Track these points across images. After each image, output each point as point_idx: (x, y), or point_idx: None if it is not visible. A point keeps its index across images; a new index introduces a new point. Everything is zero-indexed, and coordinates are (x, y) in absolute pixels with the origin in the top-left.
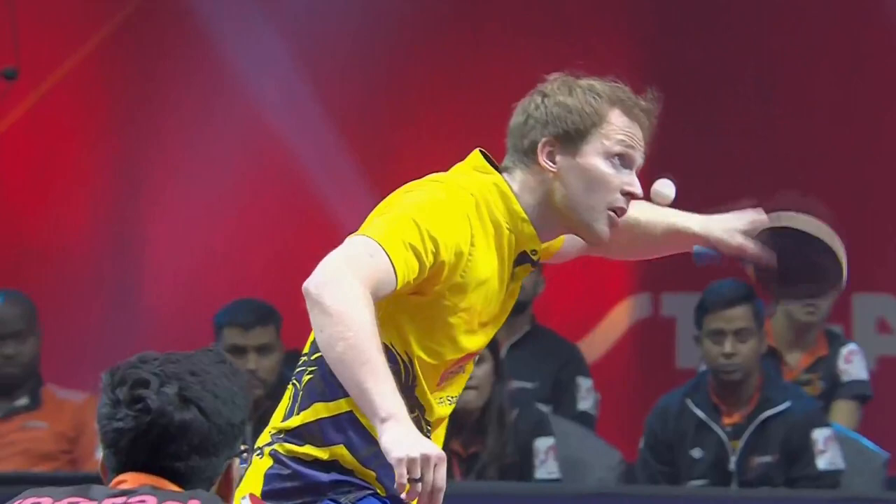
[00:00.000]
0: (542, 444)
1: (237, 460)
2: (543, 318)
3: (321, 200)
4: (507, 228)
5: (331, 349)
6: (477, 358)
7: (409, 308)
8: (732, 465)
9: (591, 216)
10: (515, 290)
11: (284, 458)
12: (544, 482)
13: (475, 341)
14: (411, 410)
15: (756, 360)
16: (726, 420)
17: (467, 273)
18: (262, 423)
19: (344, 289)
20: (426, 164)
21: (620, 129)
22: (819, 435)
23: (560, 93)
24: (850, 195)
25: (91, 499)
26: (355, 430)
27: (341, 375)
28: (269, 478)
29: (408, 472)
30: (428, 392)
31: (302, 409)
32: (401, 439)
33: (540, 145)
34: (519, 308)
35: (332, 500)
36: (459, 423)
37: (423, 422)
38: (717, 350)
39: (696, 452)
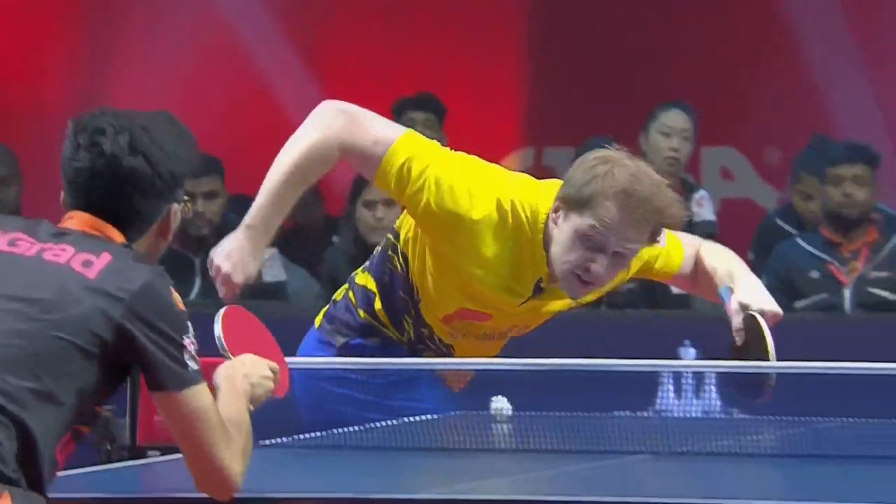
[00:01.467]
0: None
1: (176, 206)
2: None
3: (261, 73)
4: (532, 248)
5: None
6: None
7: (434, 254)
8: None
9: (560, 271)
10: (540, 309)
11: (348, 300)
12: None
13: (473, 304)
14: (420, 324)
15: None
16: None
17: (457, 246)
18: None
19: (322, 130)
20: (358, 44)
21: (605, 217)
22: None
23: (589, 164)
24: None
25: (34, 237)
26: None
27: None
28: (339, 307)
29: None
30: (432, 316)
31: (365, 271)
32: (225, 241)
33: (556, 199)
34: None
35: (360, 340)
36: None
37: (435, 337)
38: None
39: None
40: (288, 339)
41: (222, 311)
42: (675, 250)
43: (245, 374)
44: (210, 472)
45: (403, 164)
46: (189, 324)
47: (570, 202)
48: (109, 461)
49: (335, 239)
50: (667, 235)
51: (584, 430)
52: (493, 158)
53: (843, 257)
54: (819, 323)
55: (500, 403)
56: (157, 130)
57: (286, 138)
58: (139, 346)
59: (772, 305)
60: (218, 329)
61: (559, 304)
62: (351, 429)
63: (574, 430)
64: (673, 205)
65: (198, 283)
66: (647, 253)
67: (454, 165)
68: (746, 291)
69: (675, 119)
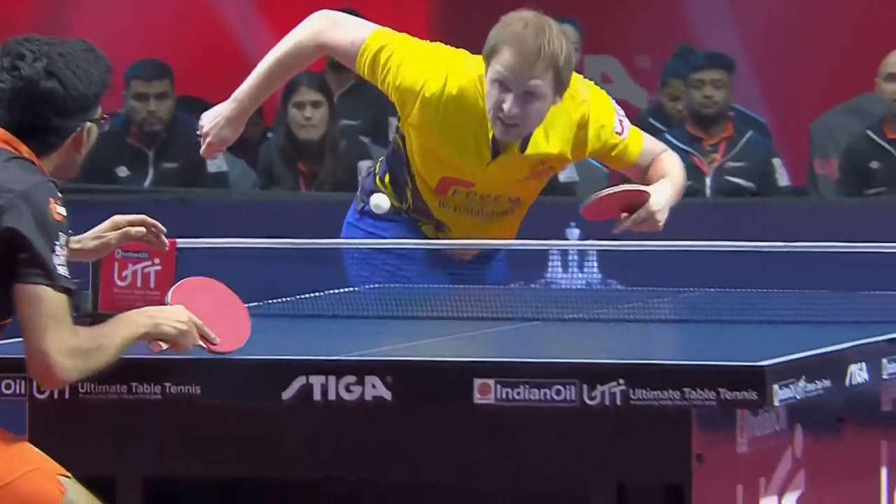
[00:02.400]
0: (364, 165)
1: (90, 124)
2: None
3: None
4: (478, 110)
5: None
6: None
7: (411, 128)
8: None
9: (490, 118)
10: (509, 172)
11: (374, 171)
12: None
13: (451, 172)
14: (417, 198)
15: None
16: None
17: (421, 119)
18: (161, 151)
19: (307, 32)
20: None
21: (503, 61)
22: None
23: (500, 22)
24: None
25: None
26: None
27: None
28: (368, 178)
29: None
30: (426, 189)
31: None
32: (215, 107)
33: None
34: (346, 67)
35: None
36: (303, 150)
37: (430, 212)
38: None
39: None
40: (228, 221)
41: (178, 284)
42: (633, 145)
43: (151, 314)
44: (33, 355)
45: (374, 55)
46: (63, 234)
47: (485, 56)
48: None
49: (269, 135)
50: (631, 131)
51: (488, 300)
52: None
53: (704, 150)
54: (683, 207)
55: (378, 200)
56: (74, 57)
57: (227, 47)
58: (17, 238)
59: (658, 215)
60: (168, 295)
61: (522, 168)
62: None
63: (478, 300)
64: (561, 48)
65: (151, 172)
66: (607, 138)
67: (413, 51)
68: (657, 190)
69: (567, 33)
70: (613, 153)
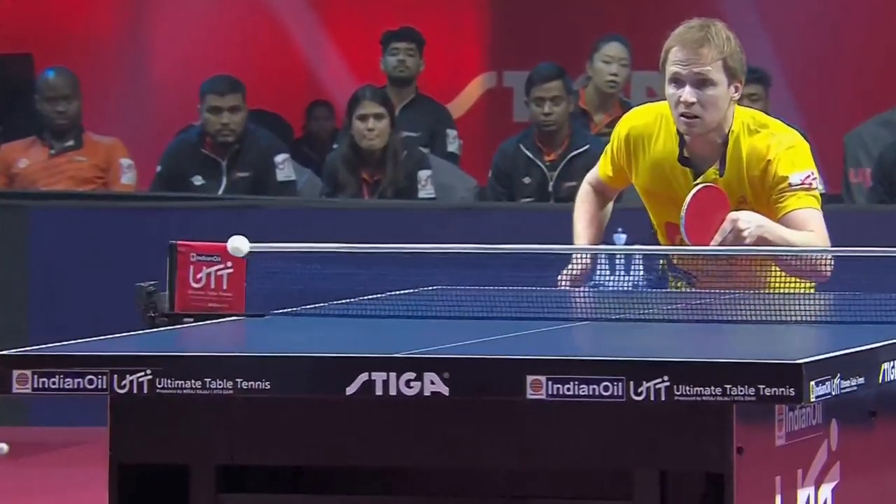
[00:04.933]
0: (423, 174)
1: None
2: (424, 88)
3: (273, 10)
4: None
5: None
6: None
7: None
8: (550, 188)
9: (673, 119)
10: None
11: None
12: (425, 200)
13: (668, 215)
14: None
15: (566, 117)
16: (546, 158)
17: (634, 171)
18: (233, 161)
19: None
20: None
21: (672, 57)
22: None
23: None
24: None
25: None
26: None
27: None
28: None
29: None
30: (664, 240)
31: None
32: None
33: None
34: (406, 82)
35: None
36: (366, 159)
37: (675, 263)
38: (539, 111)
39: (526, 180)
40: (296, 227)
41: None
42: (796, 201)
43: None
44: None
45: (610, 156)
46: None
47: (661, 67)
48: (153, 326)
49: (335, 146)
50: (807, 194)
51: (541, 301)
52: (464, 80)
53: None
54: (531, 210)
55: (237, 243)
56: None
57: (294, 63)
58: None
59: (740, 224)
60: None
61: (729, 195)
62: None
63: (530, 301)
64: (727, 38)
65: (224, 181)
66: (780, 179)
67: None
68: (740, 211)
69: (614, 49)
70: (774, 195)
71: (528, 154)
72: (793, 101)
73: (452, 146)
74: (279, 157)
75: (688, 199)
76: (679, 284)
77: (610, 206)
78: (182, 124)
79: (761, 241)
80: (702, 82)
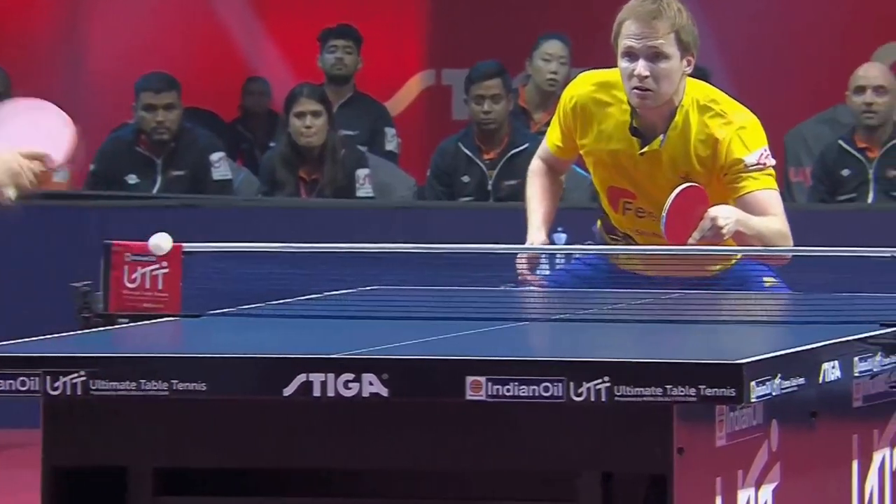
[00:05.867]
0: (361, 173)
1: None
2: (362, 86)
3: (211, 8)
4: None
5: None
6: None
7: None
8: (490, 187)
9: (626, 92)
10: (653, 162)
11: None
12: (363, 199)
13: (611, 177)
14: (605, 215)
15: (506, 116)
16: (486, 156)
17: (582, 136)
18: (169, 160)
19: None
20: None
21: (624, 31)
22: None
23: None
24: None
25: None
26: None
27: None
28: None
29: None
30: (606, 206)
31: None
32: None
33: None
34: (344, 80)
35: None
36: (304, 158)
37: (610, 221)
38: (478, 109)
39: (466, 178)
40: (233, 226)
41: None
42: (753, 183)
43: None
44: None
45: (557, 130)
46: None
47: (614, 41)
48: (88, 327)
49: (272, 144)
50: (763, 174)
51: (482, 301)
52: (402, 78)
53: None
54: (471, 209)
55: (158, 240)
56: None
57: (231, 60)
58: None
59: (719, 221)
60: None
61: (668, 175)
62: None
63: (474, 301)
64: (679, 11)
65: (159, 180)
66: (734, 160)
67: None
68: (720, 206)
69: (554, 48)
70: (729, 175)
71: (467, 153)
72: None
73: (391, 145)
74: (215, 156)
75: (670, 199)
76: (617, 242)
77: (563, 179)
78: (117, 122)
79: (737, 234)
80: (655, 55)
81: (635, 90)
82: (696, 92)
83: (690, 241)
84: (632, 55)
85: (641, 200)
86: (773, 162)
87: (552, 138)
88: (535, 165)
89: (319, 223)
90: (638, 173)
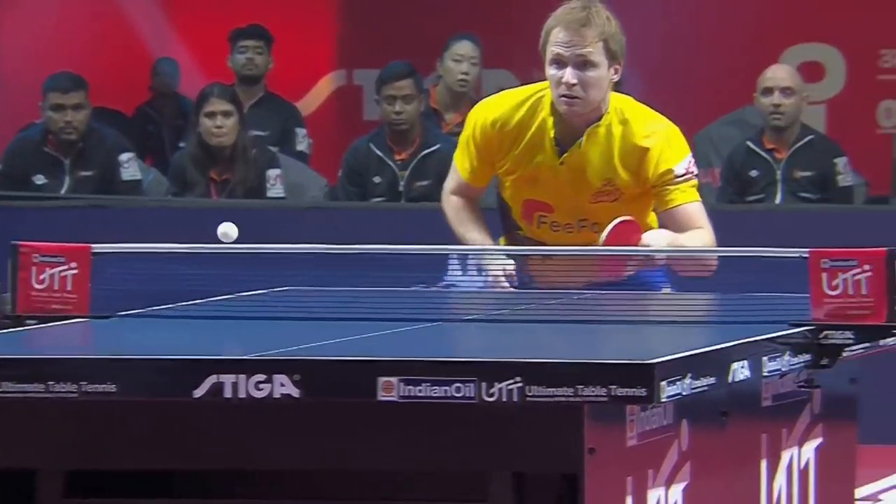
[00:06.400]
0: (273, 173)
1: None
2: (273, 87)
3: (120, 7)
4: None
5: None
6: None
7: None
8: (401, 188)
9: (553, 100)
10: (575, 170)
11: None
12: (275, 199)
13: (530, 191)
14: (516, 227)
15: (417, 116)
16: (397, 157)
17: (501, 154)
18: (77, 160)
19: (444, 205)
20: None
21: (553, 39)
22: None
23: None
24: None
25: None
26: None
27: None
28: None
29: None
30: (518, 216)
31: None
32: None
33: None
34: (255, 80)
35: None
36: (215, 158)
37: (524, 236)
38: (390, 109)
39: (377, 179)
40: (142, 227)
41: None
42: (682, 195)
43: None
44: None
45: (464, 155)
46: None
47: (542, 48)
48: None
49: (182, 144)
50: (690, 185)
51: (394, 302)
52: (313, 79)
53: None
54: (382, 210)
55: (226, 229)
56: None
57: (140, 61)
58: None
59: (655, 243)
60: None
61: (588, 184)
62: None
63: (386, 301)
64: (608, 20)
65: (67, 180)
66: (663, 171)
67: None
68: (652, 233)
69: (465, 48)
70: (657, 187)
71: (378, 153)
72: (644, 101)
73: (302, 145)
74: (124, 156)
75: (602, 237)
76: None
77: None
78: (24, 122)
79: (669, 258)
80: (583, 63)
81: (563, 97)
82: (619, 103)
83: (626, 274)
84: (560, 62)
85: (558, 214)
86: (696, 171)
87: (464, 166)
88: (452, 201)
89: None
90: (559, 183)
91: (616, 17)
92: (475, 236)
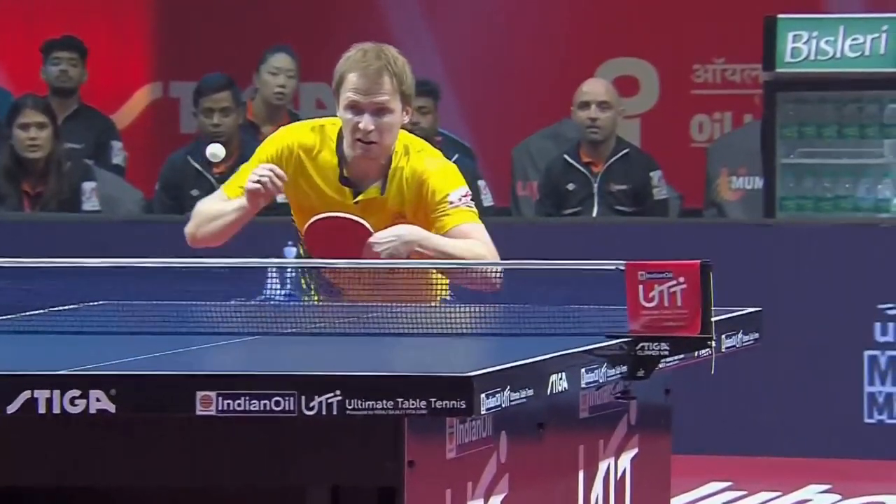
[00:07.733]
0: (88, 186)
1: None
2: (87, 99)
3: None
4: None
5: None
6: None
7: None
8: None
9: (347, 145)
10: (370, 208)
11: None
12: (90, 212)
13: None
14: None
15: (236, 129)
16: (216, 170)
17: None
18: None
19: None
20: None
21: (349, 85)
22: None
23: (341, 60)
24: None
25: None
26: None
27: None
28: None
29: None
30: (303, 248)
31: None
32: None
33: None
34: (69, 93)
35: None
36: (28, 170)
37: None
38: (207, 122)
39: (195, 192)
40: None
41: None
42: (453, 219)
43: None
44: None
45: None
46: None
47: (335, 90)
48: None
49: None
50: (461, 210)
51: (212, 316)
52: (128, 91)
53: None
54: None
55: (214, 150)
56: None
57: None
58: None
59: (375, 247)
60: None
61: (383, 216)
62: None
63: (204, 315)
64: (403, 67)
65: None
66: (439, 200)
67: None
68: (387, 231)
69: (281, 61)
70: (433, 215)
71: (196, 166)
72: (462, 114)
73: (118, 158)
74: None
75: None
76: (316, 298)
77: None
78: None
79: (416, 254)
80: (380, 111)
81: (359, 142)
82: (405, 139)
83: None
84: (357, 109)
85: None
86: (472, 204)
87: (234, 188)
88: (197, 205)
89: (44, 237)
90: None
91: (405, 56)
92: (234, 203)
